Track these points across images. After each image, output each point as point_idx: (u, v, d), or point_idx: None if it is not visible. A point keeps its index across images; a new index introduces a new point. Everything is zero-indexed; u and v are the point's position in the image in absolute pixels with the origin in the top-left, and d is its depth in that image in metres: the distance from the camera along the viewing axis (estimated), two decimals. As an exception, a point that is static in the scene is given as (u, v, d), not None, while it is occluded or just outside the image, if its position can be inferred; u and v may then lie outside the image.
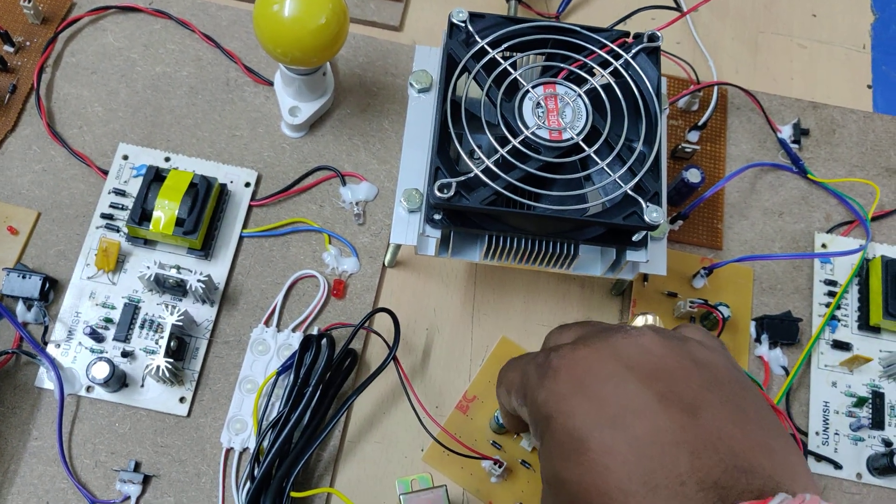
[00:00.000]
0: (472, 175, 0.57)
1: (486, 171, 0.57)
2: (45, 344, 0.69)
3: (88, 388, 0.67)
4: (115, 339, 0.69)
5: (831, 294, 0.75)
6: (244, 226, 0.74)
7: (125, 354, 0.69)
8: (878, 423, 0.71)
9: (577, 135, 0.59)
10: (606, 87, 0.61)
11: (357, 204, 0.75)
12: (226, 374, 0.69)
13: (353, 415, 0.69)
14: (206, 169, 0.75)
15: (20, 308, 0.69)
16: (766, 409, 0.43)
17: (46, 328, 0.69)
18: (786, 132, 0.81)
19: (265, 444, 0.65)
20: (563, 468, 0.42)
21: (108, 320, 0.70)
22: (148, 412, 0.68)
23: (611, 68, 0.62)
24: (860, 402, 0.71)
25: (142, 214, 0.69)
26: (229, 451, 0.67)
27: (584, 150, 0.58)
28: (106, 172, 0.74)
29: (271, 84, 0.78)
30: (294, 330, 0.70)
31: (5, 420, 0.67)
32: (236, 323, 0.71)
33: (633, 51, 0.62)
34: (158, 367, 0.64)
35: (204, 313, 0.70)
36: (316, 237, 0.74)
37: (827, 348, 0.74)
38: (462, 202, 0.56)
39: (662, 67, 0.63)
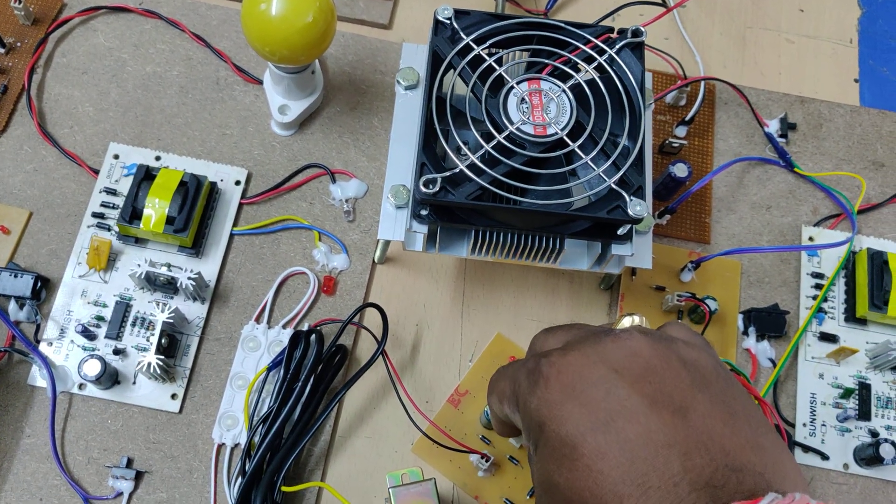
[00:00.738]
0: (457, 170, 0.57)
1: (472, 166, 0.57)
2: (38, 342, 0.69)
3: (81, 386, 0.68)
4: (106, 336, 0.70)
5: (818, 287, 0.76)
6: (234, 223, 0.74)
7: (117, 352, 0.69)
8: (864, 413, 0.71)
9: (562, 130, 0.59)
10: (591, 82, 0.62)
11: (347, 201, 0.75)
12: (217, 371, 0.70)
13: (343, 410, 0.70)
14: (196, 167, 0.75)
15: (12, 307, 0.69)
16: (753, 407, 0.44)
17: (38, 327, 0.69)
18: (773, 126, 0.82)
19: (256, 439, 0.65)
20: (556, 473, 0.42)
21: (100, 318, 0.70)
22: (140, 409, 0.68)
23: (595, 64, 0.62)
24: (847, 393, 0.72)
25: (132, 213, 0.69)
26: (221, 446, 0.68)
27: (568, 145, 0.59)
28: (97, 172, 0.75)
29: (261, 83, 0.79)
30: (284, 326, 0.71)
31: (-2, 418, 0.67)
32: (227, 320, 0.71)
33: (618, 46, 0.63)
34: (150, 364, 0.65)
35: (195, 311, 0.71)
36: (306, 234, 0.75)
37: (814, 340, 0.74)
38: (448, 197, 0.57)
39: (650, 63, 0.64)
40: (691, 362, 0.44)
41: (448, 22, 0.62)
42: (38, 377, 0.68)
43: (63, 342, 0.69)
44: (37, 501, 0.65)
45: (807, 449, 0.70)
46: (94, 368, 0.65)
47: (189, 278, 0.68)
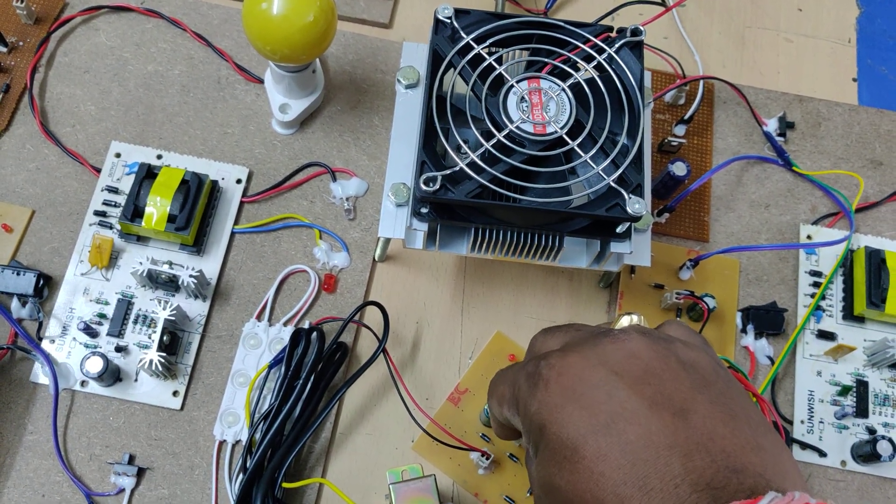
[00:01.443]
0: (457, 168, 0.58)
1: (472, 164, 0.58)
2: (40, 340, 0.69)
3: (83, 383, 0.68)
4: (108, 334, 0.70)
5: (816, 285, 0.76)
6: (236, 222, 0.75)
7: (119, 349, 0.69)
8: (862, 411, 0.72)
9: (561, 128, 0.59)
10: (590, 81, 0.62)
11: (347, 199, 0.76)
12: (218, 368, 0.70)
13: (344, 407, 0.70)
14: (197, 166, 0.76)
15: (15, 304, 0.70)
16: (752, 407, 0.44)
17: (41, 324, 0.70)
18: (772, 125, 0.82)
19: (257, 436, 0.66)
20: (557, 476, 0.42)
21: (102, 316, 0.70)
22: (142, 406, 0.69)
23: (594, 63, 0.63)
24: (845, 390, 0.72)
25: (134, 211, 0.70)
26: (222, 443, 0.68)
27: (567, 144, 0.59)
28: (99, 170, 0.75)
29: (262, 82, 0.79)
30: (285, 324, 0.71)
31: (1, 415, 0.67)
32: (228, 317, 0.72)
33: (617, 45, 0.63)
34: (151, 362, 0.65)
35: (196, 308, 0.71)
36: (307, 232, 0.75)
37: (812, 338, 0.74)
38: (448, 195, 0.57)
39: (649, 62, 0.64)
40: (690, 363, 0.44)
41: (448, 21, 0.62)
42: (41, 374, 0.68)
43: (65, 340, 0.70)
44: (39, 498, 0.66)
45: (804, 446, 0.71)
46: (96, 366, 0.66)
47: (191, 276, 0.68)
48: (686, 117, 0.80)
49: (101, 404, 0.69)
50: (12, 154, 0.76)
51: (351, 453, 0.69)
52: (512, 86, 0.61)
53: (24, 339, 0.68)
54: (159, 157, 0.76)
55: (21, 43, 0.79)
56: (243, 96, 0.79)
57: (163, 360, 0.66)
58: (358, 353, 0.72)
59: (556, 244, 0.62)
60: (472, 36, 0.62)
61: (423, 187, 0.56)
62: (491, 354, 0.72)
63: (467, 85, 0.61)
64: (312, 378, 0.66)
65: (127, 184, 0.74)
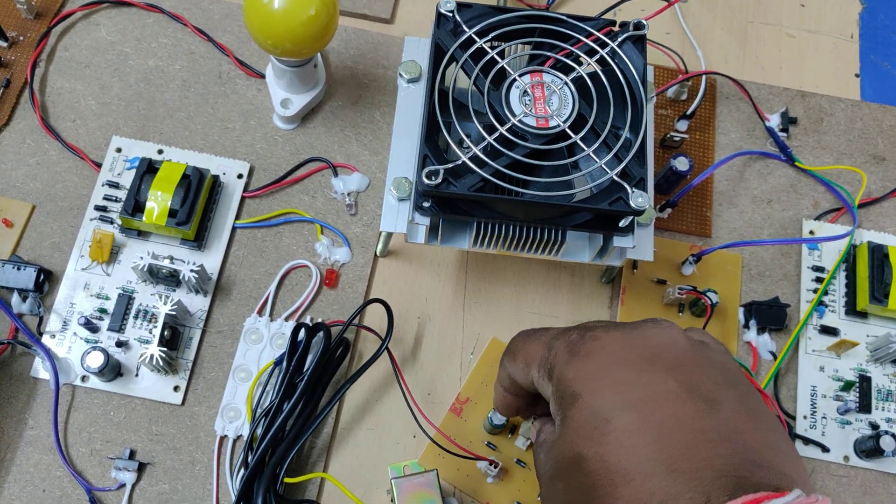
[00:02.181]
0: (459, 162, 0.57)
1: (474, 158, 0.58)
2: (41, 334, 0.69)
3: (83, 378, 0.68)
4: (109, 329, 0.70)
5: (819, 280, 0.76)
6: (237, 217, 0.74)
7: (119, 344, 0.69)
8: (864, 406, 0.72)
9: (564, 122, 0.59)
10: (593, 75, 0.62)
11: (349, 195, 0.76)
12: (219, 363, 0.70)
13: (345, 402, 0.70)
14: (199, 161, 0.75)
15: (15, 299, 0.70)
16: (771, 414, 0.45)
17: (41, 319, 0.70)
18: (774, 121, 0.82)
19: (259, 431, 0.65)
20: (585, 446, 0.43)
21: (103, 311, 0.70)
22: (142, 401, 0.69)
23: (597, 56, 0.62)
24: (847, 385, 0.72)
25: (135, 206, 0.70)
26: (223, 438, 0.68)
27: (570, 137, 0.59)
28: (99, 165, 0.75)
29: (263, 77, 0.79)
30: (287, 319, 0.71)
31: (1, 410, 0.67)
32: (230, 312, 0.72)
33: (619, 39, 0.63)
34: (152, 356, 0.65)
35: (197, 303, 0.71)
36: (308, 227, 0.75)
37: (814, 333, 0.74)
38: (450, 189, 0.57)
39: (651, 57, 0.64)
40: (720, 363, 0.46)
41: (450, 15, 0.62)
42: (41, 369, 0.68)
43: (66, 334, 0.69)
44: (40, 493, 0.66)
45: (807, 441, 0.70)
46: (96, 360, 0.65)
47: (192, 271, 0.68)
48: (688, 112, 0.79)
49: (101, 399, 0.68)
50: (13, 149, 0.75)
51: (353, 448, 0.69)
52: (514, 79, 0.60)
53: (24, 333, 0.68)
54: (160, 151, 0.76)
55: (21, 38, 0.79)
56: (244, 91, 0.79)
57: (164, 355, 0.65)
58: (360, 348, 0.72)
59: (559, 238, 0.62)
60: (475, 30, 0.62)
61: (426, 181, 0.56)
62: (489, 362, 0.72)
63: (470, 79, 0.61)
64: (315, 374, 0.66)
65: (128, 179, 0.74)
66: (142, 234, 0.72)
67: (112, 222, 0.73)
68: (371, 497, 0.67)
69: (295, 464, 0.67)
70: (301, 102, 0.76)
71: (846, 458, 0.70)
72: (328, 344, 0.67)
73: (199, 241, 0.72)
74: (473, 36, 0.61)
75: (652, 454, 0.40)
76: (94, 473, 0.66)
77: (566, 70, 0.62)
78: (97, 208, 0.73)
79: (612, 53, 0.63)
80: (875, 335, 0.74)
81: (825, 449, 0.70)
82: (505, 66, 0.61)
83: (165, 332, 0.67)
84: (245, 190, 0.75)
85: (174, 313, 0.67)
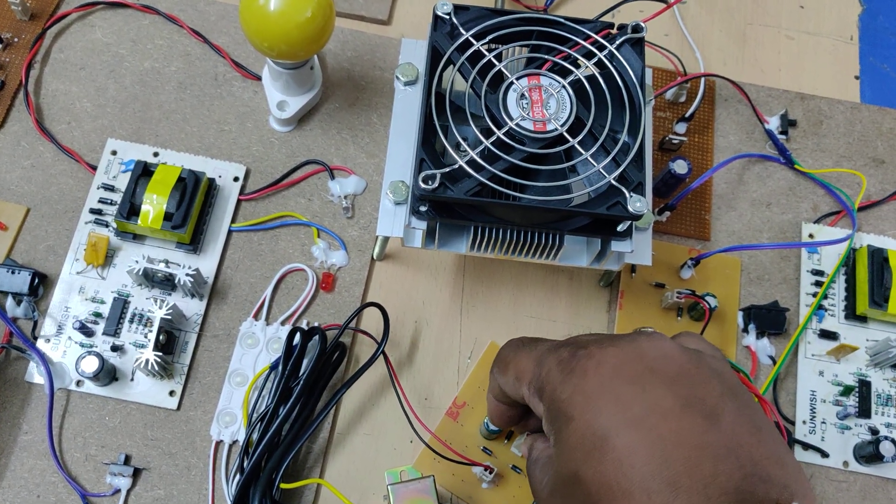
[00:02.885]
0: (456, 166, 0.57)
1: (471, 162, 0.57)
2: (35, 339, 0.69)
3: (78, 383, 0.68)
4: (104, 333, 0.69)
5: (818, 284, 0.76)
6: (233, 220, 0.74)
7: (115, 349, 0.69)
8: (864, 411, 0.71)
9: (562, 126, 0.59)
10: (591, 78, 0.61)
11: (346, 198, 0.75)
12: (215, 368, 0.69)
13: (342, 407, 0.70)
14: (194, 164, 0.75)
15: (9, 303, 0.69)
16: (771, 423, 0.45)
17: (36, 323, 0.69)
18: (773, 123, 0.81)
19: (254, 436, 0.65)
20: (583, 466, 0.42)
21: (98, 315, 0.70)
22: (138, 406, 0.68)
23: (595, 59, 0.62)
24: (847, 390, 0.71)
25: (130, 209, 0.69)
26: (219, 443, 0.67)
27: (568, 141, 0.59)
28: (95, 168, 0.74)
29: (259, 79, 0.78)
30: (283, 323, 0.71)
31: (-5, 414, 0.67)
32: (225, 316, 0.71)
33: (618, 42, 0.62)
34: (147, 361, 0.65)
35: (193, 307, 0.71)
36: (305, 231, 0.74)
37: (814, 338, 0.74)
38: (447, 193, 0.56)
39: (650, 59, 0.64)
40: (718, 372, 0.45)
41: (447, 17, 0.62)
42: (36, 374, 0.68)
43: (61, 339, 0.69)
44: (34, 498, 0.65)
45: (806, 446, 0.70)
46: (91, 365, 0.65)
47: (187, 275, 0.67)
48: (687, 115, 0.79)
49: (96, 404, 0.68)
50: (7, 151, 0.75)
51: (349, 453, 0.68)
52: (512, 83, 0.60)
53: (18, 338, 0.67)
54: (156, 154, 0.75)
55: (16, 39, 0.79)
56: (241, 93, 0.79)
57: (159, 360, 0.65)
58: (356, 353, 0.71)
59: (557, 243, 0.61)
60: (472, 32, 0.61)
61: (423, 185, 0.56)
62: (486, 366, 0.71)
63: (466, 82, 0.60)
64: (311, 379, 0.66)
65: (123, 181, 0.73)
66: (137, 238, 0.72)
67: (107, 225, 0.72)
68: (367, 502, 0.67)
69: (291, 469, 0.66)
70: (297, 105, 0.76)
71: (846, 463, 0.70)
72: (324, 348, 0.66)
73: (194, 244, 0.72)
74: (470, 38, 0.61)
75: (654, 471, 0.40)
76: (88, 479, 0.66)
77: (564, 73, 0.62)
78: (92, 211, 0.73)
79: (611, 56, 0.62)
80: (875, 339, 0.74)
81: (824, 454, 0.70)
82: (502, 69, 0.60)
83: (161, 337, 0.66)
84: (241, 193, 0.75)
85: (170, 317, 0.67)
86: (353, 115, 0.79)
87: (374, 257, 0.74)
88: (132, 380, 0.68)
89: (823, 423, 0.71)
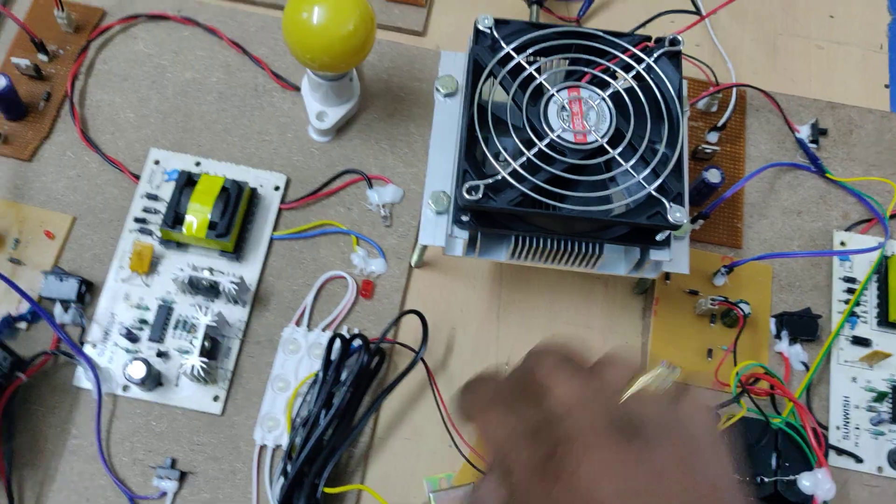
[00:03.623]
0: (499, 177, 0.58)
1: (513, 173, 0.58)
2: (82, 344, 0.70)
3: (125, 388, 0.69)
4: (149, 339, 0.71)
5: (850, 291, 0.76)
6: (274, 228, 0.75)
7: (160, 354, 0.70)
8: (898, 417, 0.72)
9: (602, 137, 0.60)
10: (629, 90, 0.62)
11: (384, 206, 0.76)
12: (258, 373, 0.71)
13: (382, 411, 0.71)
14: (236, 173, 0.77)
15: (58, 310, 0.71)
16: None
17: (84, 329, 0.71)
18: (804, 132, 0.82)
19: (297, 441, 0.66)
20: None
21: (143, 321, 0.71)
22: (183, 411, 0.70)
23: (633, 72, 0.63)
24: (880, 396, 0.72)
25: (175, 218, 0.71)
26: (262, 448, 0.69)
27: (608, 152, 0.60)
28: (138, 177, 0.76)
29: (298, 89, 0.80)
30: (324, 329, 0.72)
31: (45, 419, 0.68)
32: (267, 323, 0.73)
33: (656, 55, 0.63)
34: (193, 367, 0.66)
35: (236, 314, 0.72)
36: (344, 239, 0.76)
37: (846, 344, 0.75)
38: (490, 204, 0.58)
39: (682, 70, 0.64)
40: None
41: (489, 31, 0.63)
42: (83, 379, 0.69)
43: (107, 345, 0.71)
44: (84, 501, 0.67)
45: (840, 452, 0.71)
46: (139, 371, 0.67)
47: (231, 282, 0.69)
48: (719, 125, 0.80)
49: (143, 409, 0.70)
50: (53, 161, 0.77)
51: (390, 457, 0.70)
52: (552, 95, 0.61)
53: (66, 343, 0.69)
54: (198, 164, 0.77)
55: (61, 51, 0.80)
56: (280, 104, 0.80)
57: (204, 366, 0.66)
58: (395, 360, 0.72)
59: (596, 251, 0.62)
60: (512, 46, 0.62)
61: (466, 196, 0.57)
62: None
63: (508, 94, 0.61)
64: (352, 386, 0.67)
65: (166, 191, 0.75)
66: (181, 246, 0.74)
67: (151, 234, 0.74)
68: (408, 506, 0.68)
69: (333, 473, 0.67)
70: (336, 115, 0.77)
71: (880, 468, 0.71)
72: (365, 355, 0.68)
73: (237, 252, 0.73)
74: (511, 52, 0.62)
75: None
76: (136, 482, 0.67)
77: (603, 85, 0.63)
78: (136, 220, 0.74)
79: (648, 69, 0.63)
80: (908, 346, 0.75)
81: (858, 459, 0.71)
82: (543, 81, 0.62)
83: (206, 343, 0.68)
84: (282, 202, 0.76)
85: (214, 324, 0.68)
86: (392, 125, 0.80)
87: (412, 265, 0.75)
88: (177, 385, 0.70)
89: (857, 428, 0.72)
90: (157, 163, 0.77)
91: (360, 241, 0.75)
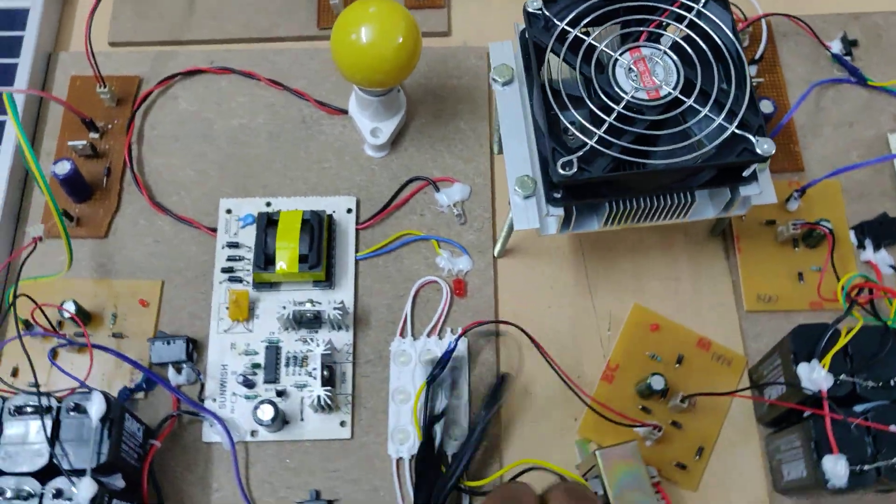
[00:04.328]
0: (587, 148, 0.60)
1: (600, 140, 0.60)
2: (202, 400, 0.72)
3: (252, 433, 0.71)
4: (265, 381, 0.72)
5: (920, 187, 0.78)
6: (356, 249, 0.77)
7: (279, 394, 0.72)
8: None
9: (674, 89, 0.61)
10: (687, 38, 0.64)
11: (455, 205, 0.78)
12: (376, 391, 0.72)
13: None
14: (306, 205, 0.78)
15: (171, 373, 0.72)
16: None
17: (202, 386, 0.72)
18: (835, 47, 0.84)
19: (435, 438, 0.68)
20: None
21: (256, 365, 0.72)
22: (312, 442, 0.71)
23: (686, 21, 0.64)
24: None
25: (266, 259, 0.72)
26: (399, 460, 0.70)
27: (684, 102, 0.61)
28: (214, 230, 0.77)
29: (345, 112, 0.81)
30: (429, 335, 0.73)
31: (185, 478, 0.70)
32: (372, 341, 0.74)
33: (703, 0, 0.65)
34: (319, 397, 0.67)
35: (341, 339, 0.73)
36: (425, 245, 0.77)
37: (932, 236, 0.76)
38: (584, 175, 0.59)
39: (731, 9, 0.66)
40: None
41: (539, 12, 0.64)
42: (211, 433, 0.71)
43: (226, 395, 0.72)
44: (245, 548, 0.68)
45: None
46: (268, 413, 0.68)
47: (335, 308, 0.70)
48: (756, 57, 0.82)
49: (273, 449, 0.71)
50: (128, 232, 0.78)
51: (520, 442, 0.71)
52: (616, 59, 0.63)
53: (187, 403, 0.70)
54: (268, 204, 0.78)
55: (109, 126, 0.82)
56: (330, 130, 0.82)
57: (329, 394, 0.68)
58: (500, 356, 0.74)
59: (688, 199, 0.64)
60: (566, 21, 0.64)
61: (561, 172, 0.58)
62: (634, 326, 0.74)
63: (573, 68, 0.63)
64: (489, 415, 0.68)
65: (244, 237, 0.76)
66: (273, 286, 0.75)
67: (241, 280, 0.75)
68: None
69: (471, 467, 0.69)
70: (390, 128, 0.79)
71: None
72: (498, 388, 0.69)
73: (329, 279, 0.74)
74: (566, 27, 0.64)
75: None
76: (287, 520, 0.69)
77: (660, 40, 0.64)
78: (223, 270, 0.76)
79: (699, 15, 0.65)
80: None
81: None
82: (604, 49, 0.63)
83: (325, 372, 0.69)
84: (357, 222, 0.78)
85: (328, 353, 0.70)
86: (441, 126, 0.81)
87: (495, 255, 0.77)
88: (302, 419, 0.71)
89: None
90: (228, 212, 0.78)
91: (440, 243, 0.77)
